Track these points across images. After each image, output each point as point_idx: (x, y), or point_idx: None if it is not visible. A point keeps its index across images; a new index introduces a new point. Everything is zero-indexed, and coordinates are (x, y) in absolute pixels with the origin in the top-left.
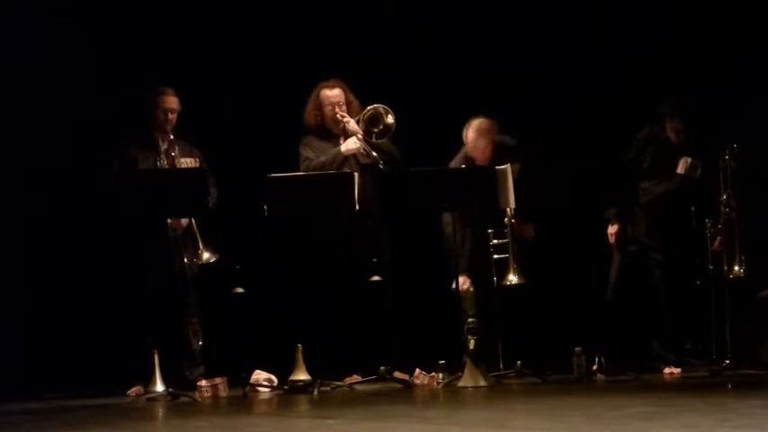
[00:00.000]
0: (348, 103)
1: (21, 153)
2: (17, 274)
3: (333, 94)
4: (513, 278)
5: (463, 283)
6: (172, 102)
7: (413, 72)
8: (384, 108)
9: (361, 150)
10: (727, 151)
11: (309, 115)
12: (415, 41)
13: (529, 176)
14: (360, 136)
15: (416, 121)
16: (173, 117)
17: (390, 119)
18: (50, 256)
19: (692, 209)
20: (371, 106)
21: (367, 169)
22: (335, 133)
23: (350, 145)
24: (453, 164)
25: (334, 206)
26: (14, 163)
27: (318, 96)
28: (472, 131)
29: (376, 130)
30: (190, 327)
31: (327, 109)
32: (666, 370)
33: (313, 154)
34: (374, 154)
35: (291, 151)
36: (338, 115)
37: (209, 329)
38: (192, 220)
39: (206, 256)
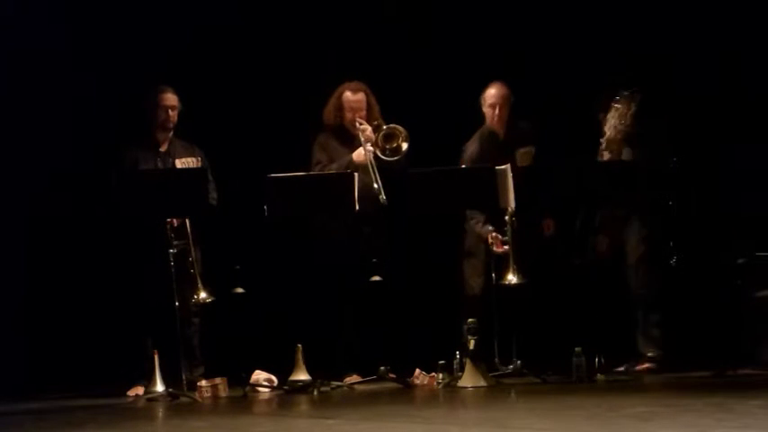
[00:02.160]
0: (369, 108)
1: (20, 153)
2: (18, 275)
3: (355, 98)
4: (512, 278)
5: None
6: (171, 99)
7: (412, 71)
8: (405, 133)
9: (369, 164)
10: None
11: (329, 114)
12: (414, 41)
13: (541, 171)
14: (369, 147)
15: (416, 120)
16: (173, 114)
17: (405, 145)
18: (51, 256)
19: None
20: (393, 125)
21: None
22: (352, 135)
23: (360, 157)
24: (471, 144)
25: (334, 206)
26: (14, 163)
27: (340, 98)
28: (493, 90)
29: (388, 146)
30: (191, 326)
31: (347, 113)
32: (640, 366)
33: (325, 157)
34: (375, 186)
35: (292, 151)
36: (357, 122)
37: (210, 329)
38: (194, 257)
39: (203, 295)
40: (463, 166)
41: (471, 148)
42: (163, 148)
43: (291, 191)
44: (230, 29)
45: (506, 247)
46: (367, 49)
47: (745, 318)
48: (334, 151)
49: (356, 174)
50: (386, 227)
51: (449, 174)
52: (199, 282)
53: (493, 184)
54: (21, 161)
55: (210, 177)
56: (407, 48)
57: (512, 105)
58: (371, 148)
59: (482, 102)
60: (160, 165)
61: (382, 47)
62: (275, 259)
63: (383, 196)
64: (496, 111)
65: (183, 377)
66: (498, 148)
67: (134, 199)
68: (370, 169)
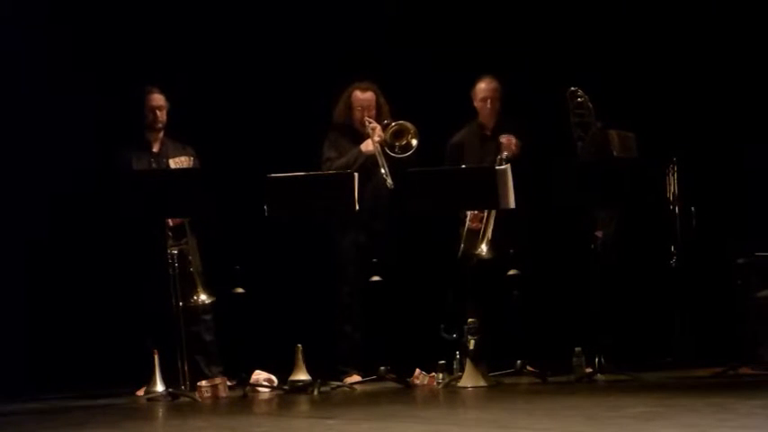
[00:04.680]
0: (378, 107)
1: (21, 153)
2: (18, 276)
3: (364, 97)
4: (483, 248)
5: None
6: (158, 99)
7: (411, 72)
8: (414, 130)
9: (377, 152)
10: None
11: (339, 113)
12: (414, 40)
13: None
14: (377, 139)
15: (414, 120)
16: (161, 114)
17: (414, 141)
18: (52, 256)
19: (693, 209)
20: (402, 122)
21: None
22: (362, 134)
23: (369, 146)
24: (457, 136)
25: (334, 206)
26: (16, 164)
27: (350, 97)
28: (483, 84)
29: (397, 143)
30: (202, 324)
31: (357, 111)
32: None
33: (335, 153)
34: (382, 171)
35: (294, 151)
36: (366, 120)
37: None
38: (192, 257)
39: (202, 297)
40: (447, 157)
41: (456, 138)
42: (155, 149)
43: (291, 191)
44: (235, 27)
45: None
46: (367, 47)
47: (746, 318)
48: (345, 149)
49: (356, 174)
50: (396, 226)
51: (449, 174)
52: (198, 283)
53: (493, 184)
54: (21, 162)
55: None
56: (411, 47)
57: (502, 99)
58: (379, 137)
59: (473, 97)
60: (154, 165)
61: (389, 46)
62: (275, 259)
63: (390, 181)
64: (488, 104)
65: (206, 372)
66: (483, 141)
67: (129, 200)
68: (378, 157)
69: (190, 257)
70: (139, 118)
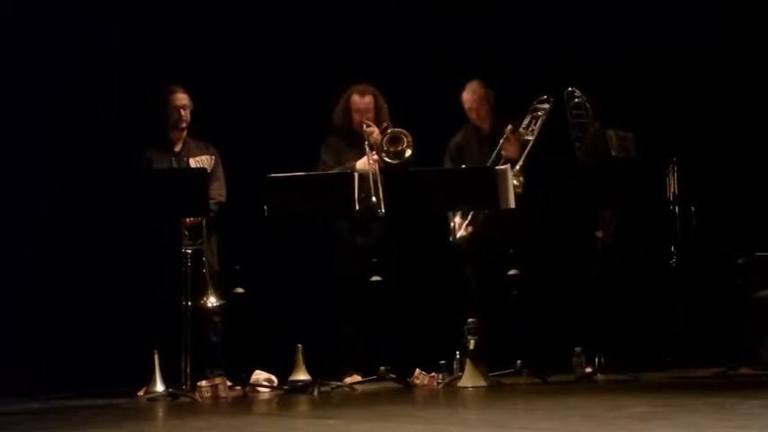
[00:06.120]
0: (378, 110)
1: (28, 151)
2: (20, 274)
3: (363, 101)
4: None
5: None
6: (182, 99)
7: (411, 72)
8: (409, 140)
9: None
10: None
11: (337, 116)
12: (413, 40)
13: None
14: (374, 157)
15: (414, 121)
16: (185, 114)
17: (409, 152)
18: (54, 255)
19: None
20: (399, 130)
21: (383, 171)
22: (360, 137)
23: (362, 166)
24: (455, 137)
25: (333, 206)
26: (22, 162)
27: (348, 100)
28: (465, 94)
29: (392, 149)
30: (211, 325)
31: (355, 115)
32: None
33: (331, 158)
34: (374, 199)
35: (296, 152)
36: (364, 124)
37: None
38: (206, 258)
39: (212, 300)
40: (447, 158)
41: (455, 139)
42: (177, 148)
43: (291, 191)
44: (240, 28)
45: (470, 228)
46: (371, 48)
47: (746, 318)
48: (342, 153)
49: (356, 174)
50: (395, 226)
51: (448, 174)
52: (209, 285)
53: (492, 184)
54: (27, 160)
55: (220, 175)
56: (407, 47)
57: (491, 101)
58: (376, 157)
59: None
60: (174, 164)
61: (389, 47)
62: (275, 259)
63: (382, 210)
64: (473, 114)
65: (207, 373)
66: (481, 142)
67: (137, 199)
68: (371, 182)
69: (204, 258)
70: (160, 117)
